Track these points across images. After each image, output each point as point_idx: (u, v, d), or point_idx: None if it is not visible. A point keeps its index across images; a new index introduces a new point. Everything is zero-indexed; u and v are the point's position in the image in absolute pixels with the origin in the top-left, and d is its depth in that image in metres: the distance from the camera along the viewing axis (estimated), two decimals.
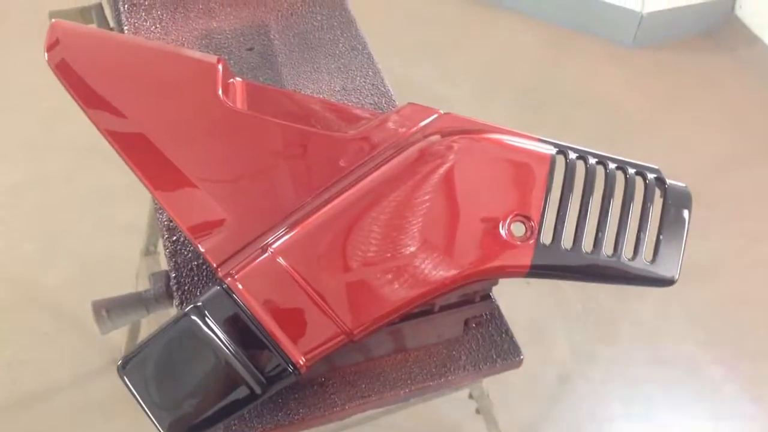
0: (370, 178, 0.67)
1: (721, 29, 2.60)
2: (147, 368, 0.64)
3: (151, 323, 0.93)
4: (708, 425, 1.60)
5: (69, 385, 1.58)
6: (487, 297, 0.74)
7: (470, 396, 1.31)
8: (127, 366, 0.64)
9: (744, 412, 1.61)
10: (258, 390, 0.63)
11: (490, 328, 0.79)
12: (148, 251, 1.46)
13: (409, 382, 0.75)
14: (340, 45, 1.06)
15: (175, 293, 0.80)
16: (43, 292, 1.72)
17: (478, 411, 1.36)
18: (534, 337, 1.71)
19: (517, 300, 1.72)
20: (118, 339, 1.52)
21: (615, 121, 2.25)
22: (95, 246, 1.82)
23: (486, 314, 0.78)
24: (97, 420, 1.52)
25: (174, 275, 0.81)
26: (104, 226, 1.85)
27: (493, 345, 0.78)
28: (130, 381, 0.64)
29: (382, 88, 1.00)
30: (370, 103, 0.98)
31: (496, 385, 1.15)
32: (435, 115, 0.73)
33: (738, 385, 1.65)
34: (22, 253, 1.79)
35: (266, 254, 0.64)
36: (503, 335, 0.79)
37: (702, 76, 2.43)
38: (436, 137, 0.71)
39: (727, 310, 1.79)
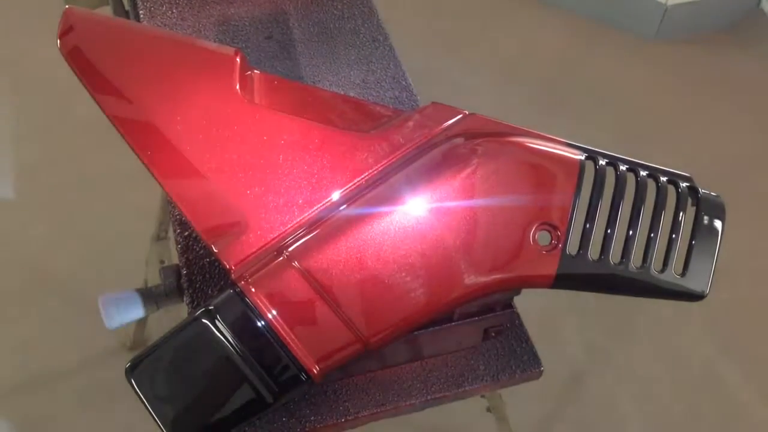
0: (390, 181, 0.65)
1: (745, 23, 2.55)
2: (155, 372, 0.62)
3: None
4: (722, 429, 1.57)
5: (77, 368, 1.57)
6: (508, 306, 0.72)
7: (481, 395, 1.28)
8: (136, 369, 0.62)
9: (761, 417, 1.59)
10: (269, 398, 0.61)
11: (509, 338, 0.77)
12: (159, 237, 1.44)
13: (425, 391, 0.73)
14: (361, 35, 1.03)
15: (186, 291, 0.78)
16: (53, 275, 1.71)
17: (489, 409, 1.34)
18: (547, 333, 1.69)
19: (529, 294, 1.69)
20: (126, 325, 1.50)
21: (636, 116, 2.21)
22: (106, 229, 1.80)
23: (505, 324, 0.76)
24: (105, 403, 1.51)
25: (185, 272, 0.79)
26: (116, 209, 1.84)
27: (513, 355, 0.76)
28: (137, 384, 0.62)
29: (404, 82, 0.97)
30: (391, 98, 0.95)
31: None
32: (459, 116, 0.70)
33: (755, 389, 1.63)
34: (33, 235, 1.78)
35: (281, 257, 0.62)
36: (523, 345, 0.77)
37: (725, 71, 2.38)
38: (460, 140, 0.68)
39: (747, 313, 1.76)
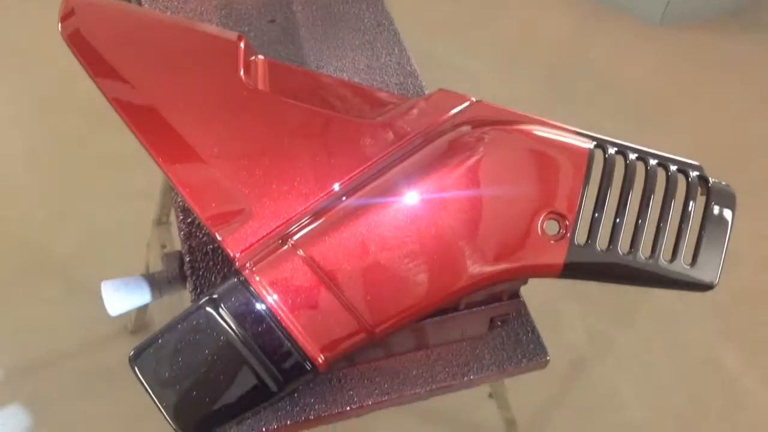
0: (396, 169, 0.64)
1: (750, 8, 2.53)
2: (159, 360, 0.61)
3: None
4: (724, 416, 1.57)
5: (77, 352, 1.57)
6: (515, 296, 0.71)
7: None
8: (139, 357, 0.62)
9: (762, 402, 1.59)
10: (273, 387, 0.60)
11: (515, 327, 0.76)
12: (161, 221, 1.43)
13: (430, 380, 0.73)
14: (365, 20, 1.02)
15: (189, 278, 0.77)
16: (54, 258, 1.70)
17: (491, 395, 1.34)
18: (549, 318, 1.68)
19: (531, 280, 1.68)
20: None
21: (640, 101, 2.19)
22: (107, 213, 1.79)
23: (512, 313, 0.75)
24: (105, 386, 1.51)
25: (188, 259, 0.78)
26: (117, 192, 1.83)
27: (519, 344, 0.75)
28: (140, 372, 0.61)
29: (409, 68, 0.96)
30: (396, 83, 0.94)
31: None
32: (466, 103, 0.69)
33: (757, 375, 1.62)
34: (34, 218, 1.78)
35: (286, 246, 0.61)
36: (529, 334, 0.76)
37: (730, 56, 2.37)
38: (467, 128, 0.67)
39: (750, 301, 1.76)
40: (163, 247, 1.41)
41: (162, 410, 0.61)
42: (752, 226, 1.87)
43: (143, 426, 1.44)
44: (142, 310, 1.53)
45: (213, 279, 0.76)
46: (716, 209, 0.64)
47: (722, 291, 1.75)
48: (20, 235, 1.74)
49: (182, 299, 0.93)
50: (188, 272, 0.77)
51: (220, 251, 0.78)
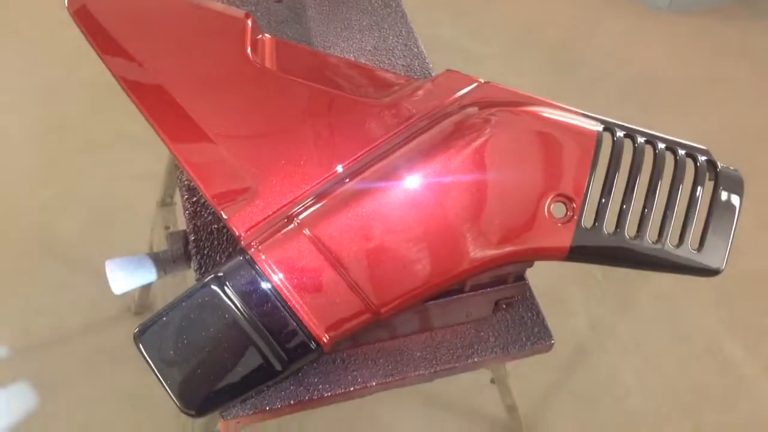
0: (403, 150, 0.64)
1: None
2: (163, 337, 0.61)
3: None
4: (726, 404, 1.57)
5: (81, 332, 1.57)
6: (520, 278, 0.71)
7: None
8: (144, 334, 0.62)
9: (764, 390, 1.59)
10: (278, 366, 0.61)
11: (520, 310, 0.76)
12: (165, 202, 1.43)
13: (434, 362, 0.73)
14: (373, 1, 1.01)
15: (193, 257, 0.77)
16: (58, 240, 1.70)
17: (493, 381, 1.34)
18: (551, 304, 1.67)
19: (534, 265, 1.68)
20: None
21: (647, 87, 2.18)
22: (111, 194, 1.79)
23: (517, 296, 0.75)
24: (109, 367, 1.52)
25: (193, 238, 0.78)
26: (121, 174, 1.82)
27: (523, 327, 0.75)
28: (145, 349, 0.62)
29: (415, 49, 0.95)
30: (403, 65, 0.93)
31: None
32: (474, 85, 0.69)
33: (759, 363, 1.62)
34: (37, 200, 1.77)
35: (292, 225, 0.61)
36: (534, 318, 0.76)
37: (738, 43, 2.35)
38: (474, 109, 0.67)
39: (753, 289, 1.75)
40: (167, 228, 1.41)
41: (166, 387, 0.61)
42: (757, 214, 1.87)
43: (146, 406, 1.45)
44: (145, 290, 1.54)
45: (218, 258, 0.76)
46: (724, 194, 0.64)
47: (725, 279, 1.74)
48: (24, 217, 1.74)
49: (186, 281, 0.93)
50: (193, 251, 0.77)
51: (225, 231, 0.78)
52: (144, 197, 1.55)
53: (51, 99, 1.99)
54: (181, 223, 0.83)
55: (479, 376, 1.37)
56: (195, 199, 0.80)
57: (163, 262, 0.81)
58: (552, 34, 2.34)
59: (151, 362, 0.61)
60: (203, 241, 0.77)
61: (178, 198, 1.34)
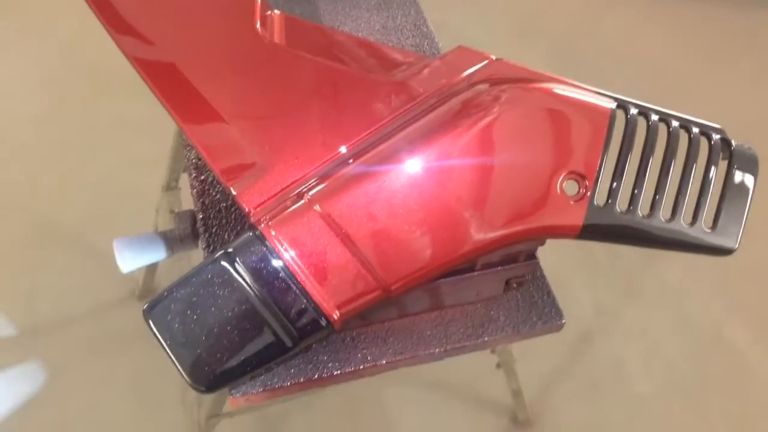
0: (414, 127, 0.63)
1: None
2: (173, 313, 0.61)
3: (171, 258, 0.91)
4: (730, 391, 1.57)
5: (86, 316, 1.57)
6: (531, 257, 0.70)
7: (492, 351, 1.28)
8: (154, 309, 0.61)
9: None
10: (288, 342, 0.60)
11: (531, 289, 0.76)
12: (170, 186, 1.43)
13: (444, 341, 0.72)
14: None
15: (201, 235, 0.76)
16: (61, 225, 1.70)
17: (499, 366, 1.34)
18: (556, 291, 1.68)
19: (539, 251, 1.67)
20: (136, 271, 1.50)
21: (654, 74, 2.17)
22: (114, 179, 1.79)
23: (527, 275, 0.75)
24: (114, 350, 1.52)
25: (201, 216, 0.77)
26: (124, 159, 1.82)
27: (534, 307, 0.75)
28: (155, 325, 0.61)
29: (425, 29, 0.94)
30: (411, 45, 0.92)
31: None
32: (485, 62, 0.68)
33: (764, 352, 1.62)
34: (41, 185, 1.77)
35: (302, 201, 0.60)
36: (545, 297, 0.75)
37: (745, 32, 2.34)
38: (484, 86, 0.66)
39: (759, 276, 1.75)
40: (172, 212, 1.41)
41: (176, 363, 0.61)
42: (763, 203, 1.86)
43: (150, 390, 1.45)
44: (150, 274, 1.53)
45: (226, 236, 0.76)
46: (739, 173, 0.64)
47: (730, 265, 1.73)
48: (28, 200, 1.74)
49: (191, 263, 0.93)
50: (201, 230, 0.76)
51: (233, 209, 0.78)
52: (147, 182, 1.55)
53: (53, 83, 1.99)
54: (187, 207, 0.83)
55: (485, 362, 1.37)
56: (203, 177, 0.80)
57: (170, 241, 0.81)
58: (558, 23, 2.32)
59: (160, 338, 0.61)
60: (211, 220, 0.77)
61: (182, 183, 1.34)
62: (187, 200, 0.92)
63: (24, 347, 1.51)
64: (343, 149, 0.63)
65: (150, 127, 1.76)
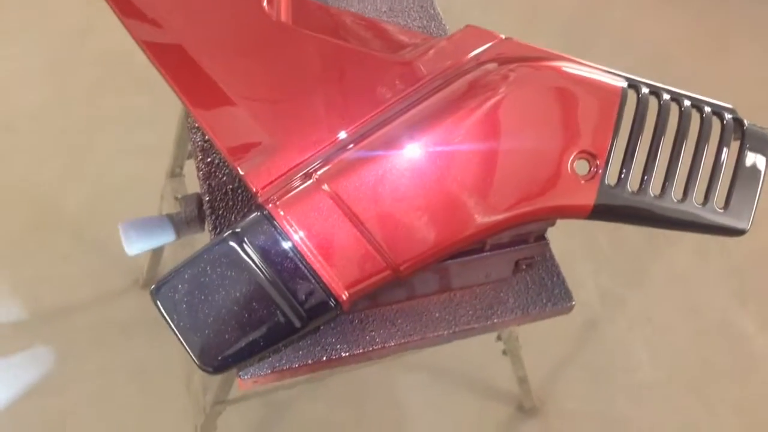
0: (423, 105, 0.62)
1: None
2: (181, 293, 0.60)
3: (174, 244, 0.90)
4: (736, 378, 1.57)
5: (89, 305, 1.57)
6: (541, 238, 0.70)
7: (498, 338, 1.28)
8: (161, 290, 0.61)
9: None
10: (297, 323, 0.60)
11: (540, 271, 0.75)
12: (174, 173, 1.42)
13: (453, 323, 0.72)
14: None
15: (208, 217, 0.76)
16: (65, 213, 1.69)
17: (505, 353, 1.34)
18: None
19: (549, 233, 1.66)
20: (140, 260, 1.50)
21: (660, 59, 2.15)
22: (118, 167, 1.78)
23: (537, 256, 0.74)
24: (117, 338, 1.51)
25: (207, 199, 0.77)
26: (128, 147, 1.81)
27: (544, 288, 0.74)
28: (162, 305, 0.61)
29: (432, 11, 0.94)
30: (418, 27, 0.91)
31: (522, 326, 1.13)
32: (494, 41, 0.67)
33: None
34: (44, 174, 1.76)
35: (311, 181, 0.60)
36: (555, 279, 0.75)
37: (756, 14, 2.32)
38: (493, 65, 0.65)
39: (766, 262, 1.74)
40: (176, 198, 1.40)
41: (184, 344, 0.60)
42: None
43: (155, 378, 1.45)
44: (154, 262, 1.53)
45: (233, 219, 0.75)
46: (751, 153, 0.63)
47: (737, 252, 1.73)
48: (30, 190, 1.73)
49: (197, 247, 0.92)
50: (207, 212, 0.76)
51: (240, 191, 0.77)
52: (151, 170, 1.54)
53: (57, 73, 1.98)
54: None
55: (492, 349, 1.36)
56: (209, 159, 0.79)
57: (177, 224, 0.80)
58: (563, 9, 2.31)
59: (168, 319, 0.60)
60: (218, 202, 0.76)
61: (187, 170, 1.33)
62: (191, 188, 0.91)
63: (28, 335, 1.51)
64: (351, 129, 0.63)
65: (152, 117, 1.76)
